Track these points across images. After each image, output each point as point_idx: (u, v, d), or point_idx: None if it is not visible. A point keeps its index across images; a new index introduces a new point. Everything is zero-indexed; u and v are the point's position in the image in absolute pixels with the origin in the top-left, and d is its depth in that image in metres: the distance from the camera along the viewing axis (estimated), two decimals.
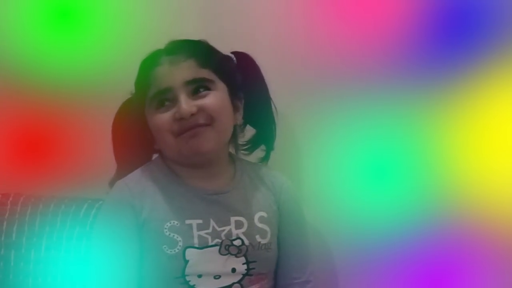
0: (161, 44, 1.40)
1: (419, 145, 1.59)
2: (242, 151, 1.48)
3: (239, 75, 1.42)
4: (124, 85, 1.59)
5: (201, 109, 1.31)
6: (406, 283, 1.58)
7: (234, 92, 1.39)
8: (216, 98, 1.33)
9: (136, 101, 1.40)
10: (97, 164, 1.69)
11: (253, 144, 1.47)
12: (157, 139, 1.36)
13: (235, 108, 1.40)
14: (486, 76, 1.54)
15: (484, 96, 1.55)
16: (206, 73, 1.34)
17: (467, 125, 1.57)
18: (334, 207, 1.63)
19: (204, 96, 1.33)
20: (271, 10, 1.65)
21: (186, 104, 1.30)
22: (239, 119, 1.41)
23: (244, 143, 1.47)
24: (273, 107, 1.46)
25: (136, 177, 1.37)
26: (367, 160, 1.61)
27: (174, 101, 1.32)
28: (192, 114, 1.30)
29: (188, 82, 1.32)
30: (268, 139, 1.47)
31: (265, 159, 1.47)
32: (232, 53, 1.44)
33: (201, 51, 1.36)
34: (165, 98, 1.33)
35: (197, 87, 1.33)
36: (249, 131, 1.48)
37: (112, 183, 1.40)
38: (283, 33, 1.63)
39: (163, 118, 1.32)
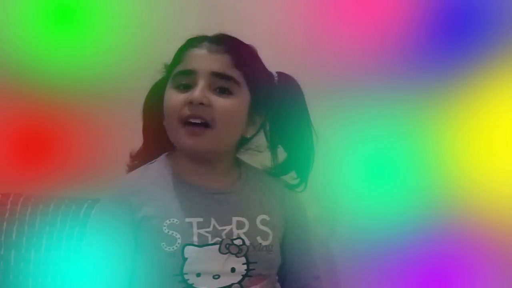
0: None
1: (419, 145, 1.59)
2: (271, 174, 1.45)
3: (276, 93, 1.40)
4: (124, 85, 1.60)
5: (211, 106, 1.30)
6: (407, 283, 1.58)
7: (256, 106, 1.37)
8: (231, 105, 1.32)
9: (166, 73, 1.39)
10: (97, 164, 1.70)
11: (281, 169, 1.45)
12: (165, 117, 1.36)
13: (251, 121, 1.38)
14: (486, 76, 1.55)
15: (484, 96, 1.56)
16: (236, 74, 1.32)
17: (467, 125, 1.57)
18: (335, 207, 1.63)
19: (222, 97, 1.32)
20: (271, 10, 1.65)
21: (201, 92, 1.30)
22: (250, 133, 1.40)
23: (274, 167, 1.45)
24: (313, 135, 1.43)
25: (138, 174, 1.38)
26: (367, 161, 1.61)
27: (193, 87, 1.31)
28: (202, 103, 1.29)
29: (214, 74, 1.31)
30: (299, 166, 1.44)
31: (294, 187, 1.45)
32: (277, 72, 1.43)
33: (242, 52, 1.35)
34: (187, 81, 1.32)
35: (222, 88, 1.32)
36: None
37: (134, 155, 1.43)
38: (283, 33, 1.64)
39: (177, 98, 1.32)
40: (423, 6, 1.58)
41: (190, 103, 1.30)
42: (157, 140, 1.41)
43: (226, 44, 1.33)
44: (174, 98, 1.32)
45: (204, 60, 1.32)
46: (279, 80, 1.43)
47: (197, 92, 1.30)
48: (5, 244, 1.57)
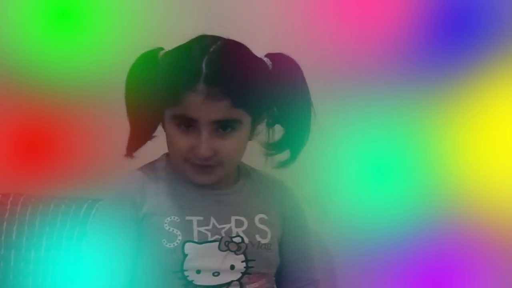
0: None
1: (419, 145, 1.60)
2: (268, 152, 1.42)
3: (274, 82, 1.35)
4: (124, 85, 1.59)
5: (217, 152, 1.29)
6: (407, 283, 1.58)
7: (257, 121, 1.36)
8: (236, 142, 1.31)
9: (159, 85, 1.32)
10: (97, 164, 1.70)
11: (278, 147, 1.41)
12: (168, 150, 1.35)
13: (252, 131, 1.36)
14: (486, 76, 1.55)
15: (484, 96, 1.56)
16: (237, 114, 1.29)
17: (467, 125, 1.57)
18: (335, 207, 1.63)
19: (226, 138, 1.29)
20: (271, 10, 1.65)
21: (206, 144, 1.27)
22: (251, 138, 1.38)
23: (270, 144, 1.42)
24: (312, 113, 1.40)
25: (139, 173, 1.38)
26: (367, 161, 1.61)
27: (197, 131, 1.28)
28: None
29: (216, 121, 1.28)
30: (295, 144, 1.41)
31: (283, 164, 1.41)
32: (268, 55, 1.37)
33: (240, 87, 1.27)
34: (189, 123, 1.28)
35: (224, 126, 1.29)
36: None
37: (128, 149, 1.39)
38: (283, 33, 1.64)
39: (181, 142, 1.29)
40: (423, 6, 1.58)
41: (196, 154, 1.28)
42: (143, 123, 1.37)
43: (223, 84, 1.25)
44: (177, 140, 1.30)
45: (204, 109, 1.26)
46: (273, 65, 1.36)
47: (202, 147, 1.27)
48: (5, 244, 1.57)
